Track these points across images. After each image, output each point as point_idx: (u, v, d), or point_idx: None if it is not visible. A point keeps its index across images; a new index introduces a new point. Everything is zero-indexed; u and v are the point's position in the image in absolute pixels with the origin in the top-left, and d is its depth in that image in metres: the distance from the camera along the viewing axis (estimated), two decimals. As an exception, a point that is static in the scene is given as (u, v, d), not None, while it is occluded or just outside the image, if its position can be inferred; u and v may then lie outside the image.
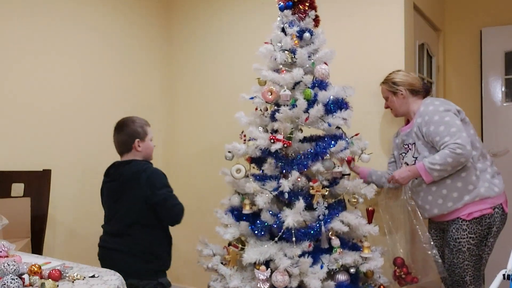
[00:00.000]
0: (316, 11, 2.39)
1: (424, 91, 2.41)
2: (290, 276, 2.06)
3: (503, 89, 3.51)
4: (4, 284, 1.29)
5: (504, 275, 1.69)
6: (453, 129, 2.06)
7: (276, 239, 2.14)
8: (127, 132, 2.24)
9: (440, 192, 2.19)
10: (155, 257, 2.18)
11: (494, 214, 2.15)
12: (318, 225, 2.13)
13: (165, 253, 2.24)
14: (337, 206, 2.23)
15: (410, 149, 2.31)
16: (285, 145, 2.16)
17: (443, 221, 2.27)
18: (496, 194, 2.15)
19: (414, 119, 2.28)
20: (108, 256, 2.23)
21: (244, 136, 2.36)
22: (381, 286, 2.32)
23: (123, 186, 2.16)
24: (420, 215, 2.30)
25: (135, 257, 2.12)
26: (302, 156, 2.18)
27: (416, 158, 2.27)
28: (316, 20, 2.38)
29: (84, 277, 1.47)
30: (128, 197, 2.14)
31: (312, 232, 2.12)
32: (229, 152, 2.34)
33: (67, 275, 1.47)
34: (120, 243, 2.15)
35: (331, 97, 2.23)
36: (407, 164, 2.32)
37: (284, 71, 2.24)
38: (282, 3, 2.35)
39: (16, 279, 1.31)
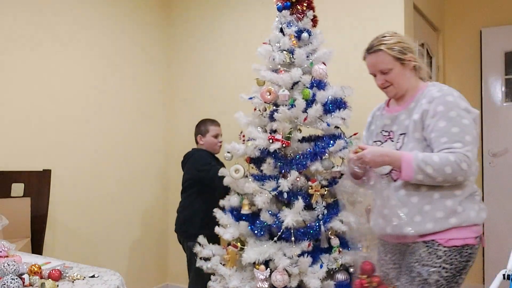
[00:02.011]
0: (314, 11, 2.39)
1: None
2: (289, 275, 2.07)
3: (503, 89, 3.51)
4: (4, 284, 1.29)
5: (504, 275, 1.69)
6: (469, 138, 1.59)
7: (276, 238, 2.14)
8: (195, 129, 2.92)
9: (421, 206, 1.65)
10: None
11: (476, 245, 1.66)
12: (317, 224, 2.13)
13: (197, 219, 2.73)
14: (336, 205, 2.23)
15: (392, 139, 1.76)
16: (284, 145, 2.16)
17: (409, 242, 1.69)
18: (482, 221, 1.69)
19: (412, 102, 1.73)
20: None
21: (243, 136, 2.37)
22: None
23: (183, 164, 2.89)
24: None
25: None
26: (301, 156, 2.18)
27: None
28: (314, 20, 2.39)
29: (84, 277, 1.48)
30: (184, 172, 2.87)
31: (311, 231, 2.12)
32: (228, 152, 2.34)
33: (67, 275, 1.47)
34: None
35: (330, 97, 2.24)
36: None
37: (283, 71, 2.25)
38: (280, 4, 2.35)
39: (16, 279, 1.32)
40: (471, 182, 1.68)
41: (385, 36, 1.78)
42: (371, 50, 1.77)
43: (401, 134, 1.73)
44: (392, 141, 1.75)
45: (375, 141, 1.84)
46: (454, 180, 1.59)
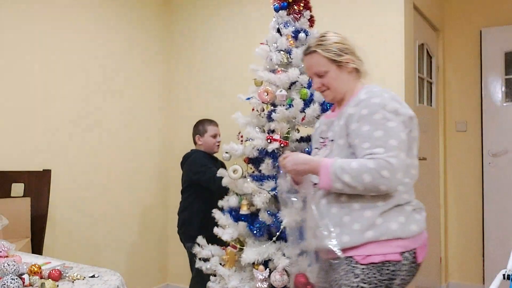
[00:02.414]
0: (311, 11, 2.39)
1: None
2: (288, 275, 2.07)
3: (503, 89, 3.51)
4: (4, 284, 1.29)
5: (504, 275, 1.69)
6: (394, 142, 1.42)
7: (274, 238, 2.15)
8: (193, 130, 2.94)
9: (340, 218, 1.50)
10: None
11: (401, 262, 1.46)
12: (317, 225, 2.13)
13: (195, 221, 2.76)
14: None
15: (326, 145, 1.63)
16: (282, 145, 2.17)
17: (331, 258, 1.53)
18: (411, 234, 1.48)
19: (345, 107, 1.59)
20: None
21: (241, 136, 2.37)
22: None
23: (182, 165, 2.89)
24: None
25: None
26: (300, 156, 2.18)
27: None
28: (311, 20, 2.39)
29: (84, 277, 1.48)
30: (182, 173, 2.89)
31: (311, 232, 2.12)
32: (226, 153, 2.35)
33: (67, 275, 1.47)
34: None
35: (328, 97, 2.24)
36: None
37: (280, 72, 2.25)
38: (277, 4, 2.36)
39: (16, 279, 1.32)
40: (402, 192, 1.49)
41: (321, 36, 1.65)
42: (306, 51, 1.65)
43: (331, 140, 1.59)
44: (327, 147, 1.62)
45: (315, 148, 1.71)
46: (376, 189, 1.41)
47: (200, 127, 2.90)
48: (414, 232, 1.48)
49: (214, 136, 2.87)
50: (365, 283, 1.45)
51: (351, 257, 1.47)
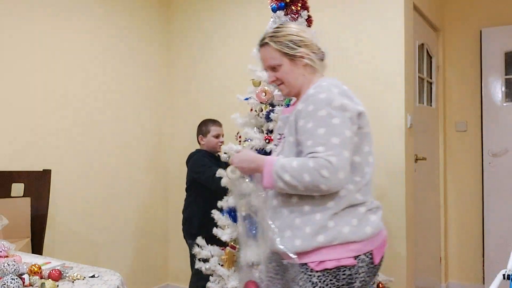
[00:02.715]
0: (308, 12, 2.39)
1: (322, 57, 1.62)
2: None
3: (503, 89, 3.51)
4: (4, 284, 1.29)
5: (504, 275, 1.69)
6: (336, 140, 1.36)
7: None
8: (197, 130, 2.97)
9: (292, 220, 1.45)
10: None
11: (357, 265, 1.41)
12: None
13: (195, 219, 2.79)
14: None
15: (281, 142, 1.59)
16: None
17: (290, 262, 1.47)
18: (366, 237, 1.43)
19: (297, 102, 1.54)
20: None
21: (240, 137, 2.37)
22: (380, 284, 2.33)
23: (186, 164, 2.92)
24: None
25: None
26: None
27: None
28: (309, 20, 2.39)
29: (84, 277, 1.47)
30: (187, 172, 2.91)
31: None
32: (225, 153, 2.35)
33: (67, 275, 1.47)
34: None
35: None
36: None
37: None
38: (274, 4, 2.36)
39: (16, 279, 1.32)
40: (353, 191, 1.43)
41: (276, 28, 1.57)
42: (260, 43, 1.58)
43: (284, 137, 1.54)
44: (280, 145, 1.56)
45: (274, 145, 1.66)
46: (317, 189, 1.35)
47: (203, 127, 2.93)
48: (369, 234, 1.43)
49: (217, 137, 2.90)
50: None
51: (306, 264, 1.42)
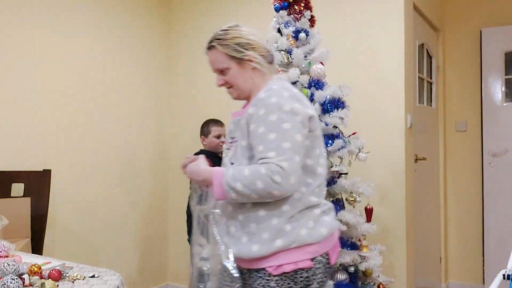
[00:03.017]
0: (311, 11, 2.40)
1: (272, 60, 1.59)
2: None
3: (503, 89, 3.51)
4: (4, 284, 1.29)
5: (504, 275, 1.70)
6: (287, 145, 1.35)
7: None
8: (200, 130, 2.98)
9: (247, 225, 1.43)
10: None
11: (314, 267, 1.42)
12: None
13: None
14: (335, 205, 2.23)
15: (233, 146, 1.55)
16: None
17: (244, 268, 1.47)
18: (322, 238, 1.43)
19: (248, 106, 1.51)
20: None
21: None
22: (380, 285, 2.33)
23: None
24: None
25: None
26: (301, 156, 2.18)
27: (232, 165, 1.50)
28: (312, 20, 2.40)
29: (84, 277, 1.47)
30: None
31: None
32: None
33: (67, 275, 1.47)
34: None
35: (328, 96, 2.25)
36: None
37: (281, 71, 2.26)
38: (277, 4, 2.36)
39: (16, 279, 1.32)
40: (306, 194, 1.43)
41: (222, 30, 1.53)
42: (207, 46, 1.55)
43: (236, 141, 1.51)
44: (232, 149, 1.53)
45: (226, 149, 1.60)
46: (270, 195, 1.34)
47: (204, 128, 2.96)
48: (324, 235, 1.43)
49: (218, 137, 2.91)
50: None
51: (263, 269, 1.41)
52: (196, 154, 2.89)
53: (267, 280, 1.41)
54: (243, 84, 1.52)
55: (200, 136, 2.96)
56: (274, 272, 1.40)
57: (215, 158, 2.86)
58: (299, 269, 1.40)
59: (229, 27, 1.54)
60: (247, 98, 1.56)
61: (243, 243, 1.42)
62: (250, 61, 1.49)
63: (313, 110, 1.46)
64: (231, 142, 1.55)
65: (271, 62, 1.56)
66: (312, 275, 1.42)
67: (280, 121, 1.37)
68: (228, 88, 1.55)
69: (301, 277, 1.41)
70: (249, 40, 1.50)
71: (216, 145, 2.91)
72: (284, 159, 1.33)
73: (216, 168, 1.42)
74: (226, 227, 1.46)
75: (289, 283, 1.40)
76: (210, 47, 1.54)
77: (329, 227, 1.45)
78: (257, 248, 1.40)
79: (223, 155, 1.59)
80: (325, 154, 1.51)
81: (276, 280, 1.40)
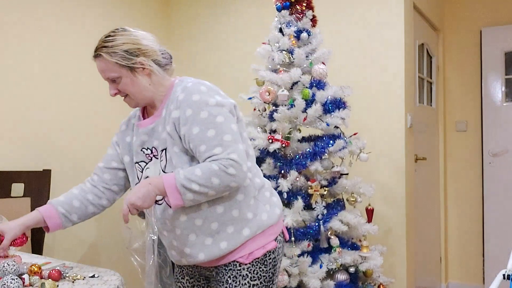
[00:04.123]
0: (313, 11, 2.40)
1: (169, 62, 1.54)
2: (289, 275, 2.07)
3: (503, 89, 3.51)
4: (4, 284, 1.29)
5: (504, 275, 1.70)
6: (228, 137, 1.35)
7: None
8: None
9: (208, 227, 1.41)
10: None
11: (277, 246, 1.49)
12: (317, 224, 2.13)
13: None
14: (336, 205, 2.23)
15: (156, 156, 1.48)
16: (284, 145, 2.17)
17: (210, 266, 1.49)
18: (278, 218, 1.49)
19: (164, 109, 1.45)
20: None
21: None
22: (381, 285, 2.33)
23: None
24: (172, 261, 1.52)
25: None
26: (301, 156, 2.18)
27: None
28: (314, 20, 2.40)
29: (84, 277, 1.47)
30: None
31: (311, 231, 2.13)
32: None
33: (67, 275, 1.47)
34: None
35: (329, 96, 2.25)
36: None
37: (282, 71, 2.25)
38: (279, 4, 2.36)
39: (16, 279, 1.32)
40: (252, 177, 1.46)
41: (108, 36, 1.43)
42: (93, 55, 1.47)
43: (162, 149, 1.43)
44: (159, 159, 1.45)
45: (137, 162, 1.52)
46: (228, 188, 1.34)
47: None
48: (279, 214, 1.50)
49: None
50: (254, 280, 1.43)
51: (234, 261, 1.43)
52: None
53: (239, 269, 1.43)
54: (139, 92, 1.44)
55: None
56: (246, 261, 1.43)
57: None
58: (267, 251, 1.46)
59: (113, 32, 1.44)
60: (151, 104, 1.49)
61: (208, 245, 1.42)
62: (143, 67, 1.42)
63: (232, 99, 1.46)
64: (148, 154, 1.49)
65: (167, 64, 1.50)
66: (278, 255, 1.49)
67: (212, 116, 1.36)
68: (124, 97, 1.47)
69: (269, 258, 1.46)
70: (139, 45, 1.42)
71: None
72: (231, 151, 1.33)
73: (164, 174, 1.35)
74: (184, 239, 1.43)
75: (260, 267, 1.45)
76: (96, 56, 1.45)
77: (279, 206, 1.53)
78: (226, 244, 1.41)
79: (143, 168, 1.52)
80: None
81: (248, 268, 1.43)
